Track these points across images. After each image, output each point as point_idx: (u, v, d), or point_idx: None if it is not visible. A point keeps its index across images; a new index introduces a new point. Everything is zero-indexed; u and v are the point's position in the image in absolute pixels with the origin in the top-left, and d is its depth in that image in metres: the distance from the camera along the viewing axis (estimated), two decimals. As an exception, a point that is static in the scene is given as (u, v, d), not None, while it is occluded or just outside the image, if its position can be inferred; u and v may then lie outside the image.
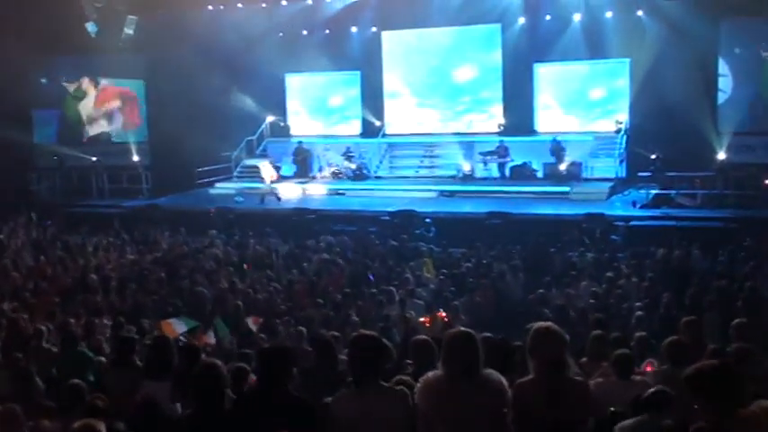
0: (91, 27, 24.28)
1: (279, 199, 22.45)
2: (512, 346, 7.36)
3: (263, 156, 26.46)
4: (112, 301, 12.57)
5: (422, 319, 11.28)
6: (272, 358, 4.80)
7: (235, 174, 25.92)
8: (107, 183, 25.61)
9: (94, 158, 25.96)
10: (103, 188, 25.59)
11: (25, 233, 19.00)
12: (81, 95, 26.82)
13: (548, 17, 24.24)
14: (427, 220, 18.85)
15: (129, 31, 25.04)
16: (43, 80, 26.72)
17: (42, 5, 21.96)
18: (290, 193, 23.22)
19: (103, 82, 26.83)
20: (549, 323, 4.56)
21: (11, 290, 13.19)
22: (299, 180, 24.52)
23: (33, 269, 15.08)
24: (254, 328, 10.58)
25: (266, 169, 23.20)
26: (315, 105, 28.21)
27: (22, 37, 22.33)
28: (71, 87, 26.78)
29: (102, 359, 7.76)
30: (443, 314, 11.28)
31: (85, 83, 26.67)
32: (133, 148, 26.24)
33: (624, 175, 22.28)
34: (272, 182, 23.06)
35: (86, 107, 27.12)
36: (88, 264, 15.41)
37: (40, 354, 8.29)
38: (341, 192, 23.27)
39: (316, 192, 23.53)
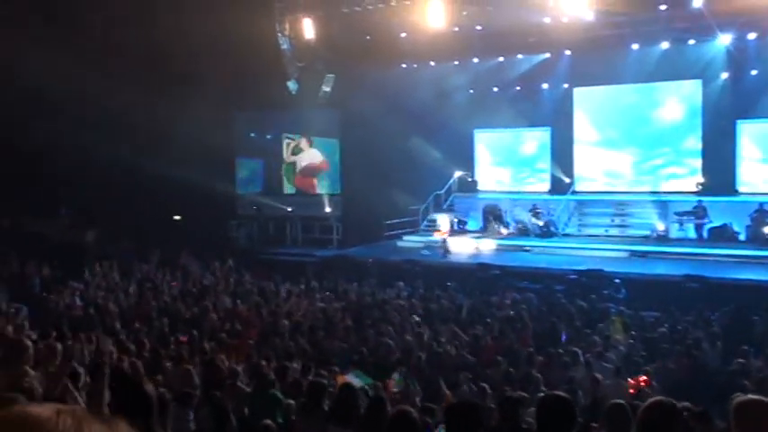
0: (292, 85, 25.70)
1: (448, 252, 22.54)
2: (710, 417, 6.91)
3: (450, 210, 26.78)
4: (302, 347, 12.97)
5: (631, 381, 10.84)
6: (461, 414, 4.76)
7: (421, 227, 26.29)
8: (300, 232, 26.80)
9: (289, 209, 27.24)
10: (297, 237, 26.78)
11: (224, 278, 20.13)
12: (298, 152, 28.25)
13: (754, 72, 23.01)
14: (616, 280, 18.18)
15: (326, 88, 26.26)
16: (252, 134, 28.51)
17: (247, 64, 23.51)
18: (461, 247, 23.23)
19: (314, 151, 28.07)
20: (760, 396, 4.20)
21: (209, 330, 13.97)
22: (473, 235, 24.50)
23: (230, 312, 15.91)
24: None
25: (444, 223, 23.52)
26: (503, 161, 28.18)
27: (227, 94, 24.08)
28: (292, 144, 28.26)
29: (292, 402, 7.98)
30: (644, 378, 10.77)
31: (303, 142, 28.10)
32: (326, 200, 27.29)
33: (840, 240, 20.53)
34: (443, 236, 23.18)
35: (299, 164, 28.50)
36: (280, 309, 16.08)
37: (235, 393, 8.66)
38: (526, 248, 22.97)
39: (486, 247, 23.33)
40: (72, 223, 23.29)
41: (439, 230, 23.59)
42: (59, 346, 7.72)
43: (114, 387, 4.55)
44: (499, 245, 23.32)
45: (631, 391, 10.52)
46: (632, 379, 10.98)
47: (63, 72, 20.26)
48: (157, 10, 22.45)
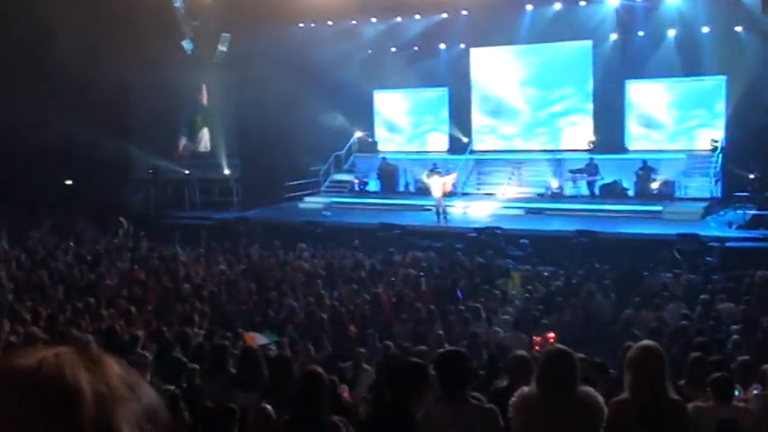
0: (187, 44, 25.03)
1: (444, 217, 21.22)
2: (606, 368, 7.25)
3: (350, 171, 26.88)
4: (204, 311, 12.81)
5: (537, 339, 11.17)
6: (406, 375, 4.63)
7: (323, 188, 26.27)
8: (199, 195, 26.31)
9: (187, 172, 26.66)
10: (196, 200, 26.30)
11: (121, 243, 19.64)
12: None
13: (641, 33, 23.82)
14: (523, 240, 18.47)
15: (222, 48, 25.69)
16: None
17: (140, 24, 22.74)
18: (464, 210, 22.40)
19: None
20: (650, 341, 4.46)
21: (107, 297, 13.63)
22: (467, 198, 23.84)
23: (128, 278, 15.53)
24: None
25: (436, 186, 21.56)
26: (402, 121, 28.37)
27: (122, 54, 23.20)
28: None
29: (196, 366, 7.92)
30: (552, 335, 11.14)
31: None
32: (224, 162, 26.84)
33: (720, 195, 21.59)
34: (443, 196, 21.50)
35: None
36: (179, 274, 15.82)
37: (136, 360, 8.51)
38: (427, 208, 23.20)
39: (481, 211, 22.20)
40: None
41: (435, 192, 21.51)
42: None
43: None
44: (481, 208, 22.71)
45: (536, 348, 10.90)
46: (539, 336, 11.33)
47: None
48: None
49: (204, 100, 27.61)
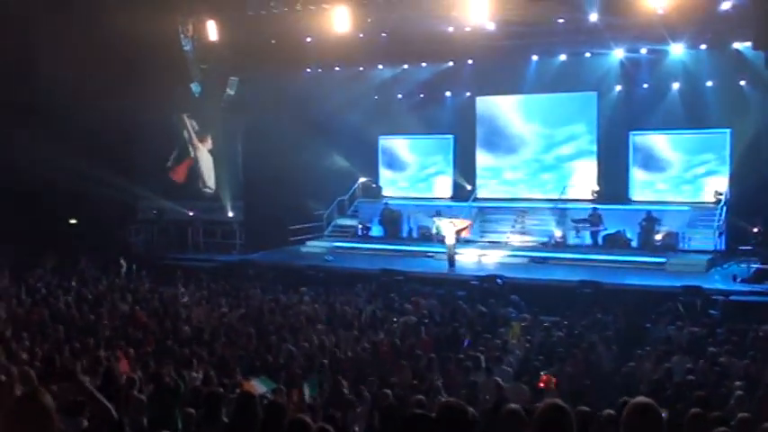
0: (195, 87, 25.24)
1: (452, 264, 21.39)
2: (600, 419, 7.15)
3: (354, 216, 26.90)
4: (202, 355, 12.72)
5: (543, 377, 11.11)
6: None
7: (326, 233, 26.27)
8: (202, 237, 26.33)
9: (191, 213, 26.72)
10: (199, 242, 26.31)
11: (123, 284, 19.60)
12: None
13: (645, 85, 23.99)
14: (514, 297, 17.94)
15: (230, 91, 25.88)
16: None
17: (150, 67, 23.00)
18: (469, 258, 22.38)
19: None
20: (646, 399, 4.37)
21: (105, 338, 13.56)
22: (477, 244, 23.75)
23: (128, 318, 15.48)
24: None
25: (449, 231, 21.72)
26: (407, 168, 28.47)
27: (130, 96, 23.41)
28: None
29: (192, 411, 7.83)
30: (555, 380, 11.07)
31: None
32: (228, 205, 26.90)
33: (723, 247, 21.52)
34: (455, 241, 21.58)
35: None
36: (180, 316, 15.75)
37: (132, 402, 8.44)
38: (430, 254, 23.19)
39: (492, 259, 22.27)
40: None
41: (449, 239, 21.53)
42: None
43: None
44: (506, 255, 22.66)
45: (541, 384, 10.83)
46: (545, 375, 11.26)
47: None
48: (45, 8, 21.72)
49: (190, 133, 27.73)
